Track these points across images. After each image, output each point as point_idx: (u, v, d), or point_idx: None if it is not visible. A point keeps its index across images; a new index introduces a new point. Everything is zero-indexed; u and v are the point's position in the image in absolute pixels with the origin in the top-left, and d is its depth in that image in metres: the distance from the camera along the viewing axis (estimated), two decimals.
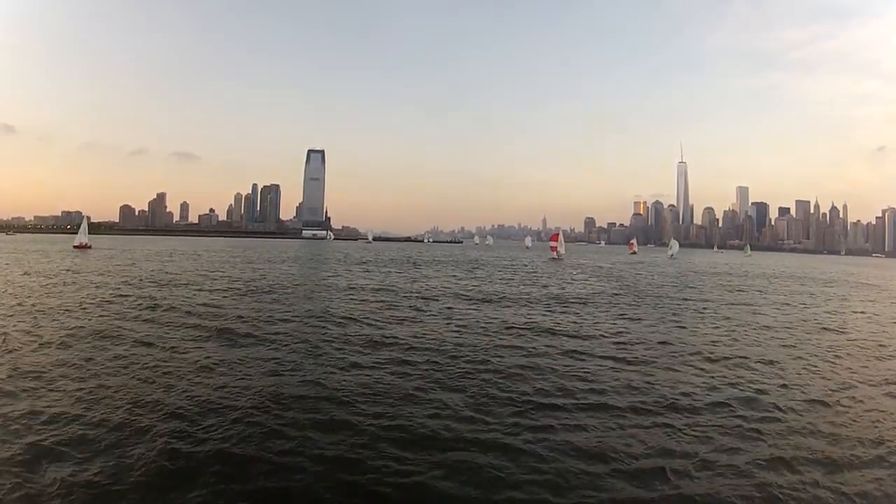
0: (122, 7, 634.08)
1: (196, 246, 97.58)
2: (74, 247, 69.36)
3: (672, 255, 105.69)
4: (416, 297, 26.47)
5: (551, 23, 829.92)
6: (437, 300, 25.37)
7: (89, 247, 70.32)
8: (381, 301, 24.35)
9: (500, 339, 16.18)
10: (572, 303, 25.94)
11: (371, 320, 18.72)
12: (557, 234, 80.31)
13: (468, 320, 19.49)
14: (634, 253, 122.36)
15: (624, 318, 21.33)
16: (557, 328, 18.40)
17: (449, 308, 22.67)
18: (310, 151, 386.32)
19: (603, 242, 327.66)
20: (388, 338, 15.50)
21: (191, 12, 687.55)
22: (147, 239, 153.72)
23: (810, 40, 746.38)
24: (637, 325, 19.78)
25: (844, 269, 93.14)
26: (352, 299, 24.70)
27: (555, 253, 77.47)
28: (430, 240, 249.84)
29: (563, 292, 31.03)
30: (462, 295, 27.83)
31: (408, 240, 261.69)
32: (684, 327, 19.91)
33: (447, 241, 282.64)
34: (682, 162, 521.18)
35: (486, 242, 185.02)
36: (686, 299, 29.71)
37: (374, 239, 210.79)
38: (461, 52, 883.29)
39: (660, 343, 16.16)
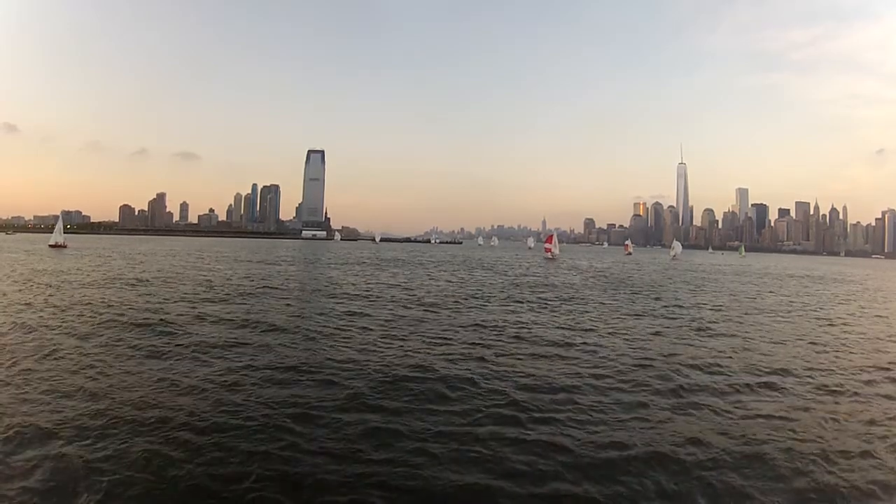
0: (123, 7, 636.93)
1: (188, 246, 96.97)
2: (50, 246, 70.72)
3: (675, 256, 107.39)
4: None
5: (552, 24, 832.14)
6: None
7: (65, 246, 71.91)
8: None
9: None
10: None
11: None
12: (552, 236, 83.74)
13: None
14: (630, 254, 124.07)
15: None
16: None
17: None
18: (310, 152, 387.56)
19: (606, 244, 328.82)
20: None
21: (192, 13, 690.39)
22: (142, 239, 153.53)
23: (811, 41, 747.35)
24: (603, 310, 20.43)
25: (835, 268, 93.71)
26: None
27: (549, 254, 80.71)
28: (437, 240, 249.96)
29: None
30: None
31: (407, 240, 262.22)
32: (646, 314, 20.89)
33: (448, 242, 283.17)
34: (681, 163, 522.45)
35: (491, 243, 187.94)
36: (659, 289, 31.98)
37: (380, 240, 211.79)
38: (462, 53, 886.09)
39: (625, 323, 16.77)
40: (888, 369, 13.92)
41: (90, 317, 17.68)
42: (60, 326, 15.89)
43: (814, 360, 14.57)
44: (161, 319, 17.24)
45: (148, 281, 30.53)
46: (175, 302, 21.68)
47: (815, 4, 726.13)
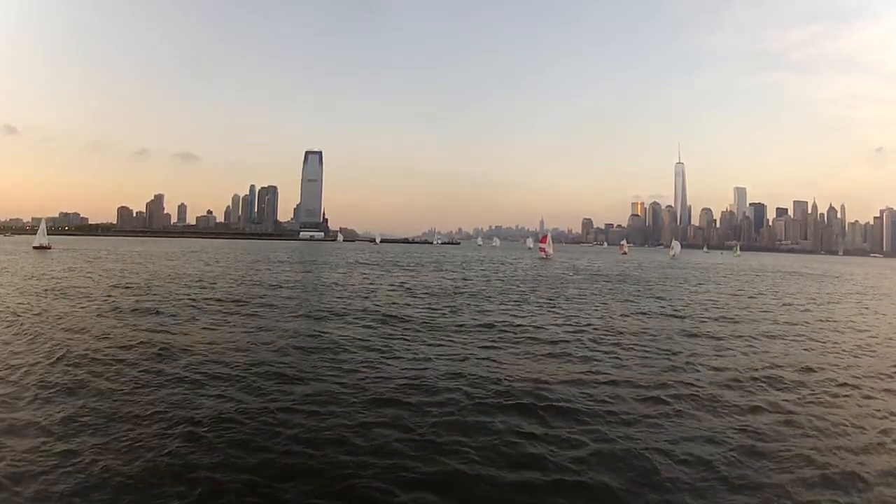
0: (123, 7, 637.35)
1: (182, 248, 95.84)
2: (34, 248, 71.75)
3: (674, 256, 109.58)
4: None
5: (552, 24, 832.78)
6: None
7: (49, 248, 73.14)
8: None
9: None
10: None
11: None
12: (546, 237, 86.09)
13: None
14: (625, 253, 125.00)
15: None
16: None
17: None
18: (307, 153, 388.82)
19: (606, 244, 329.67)
20: None
21: (192, 13, 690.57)
22: (138, 240, 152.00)
23: (811, 41, 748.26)
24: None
25: (835, 267, 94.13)
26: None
27: (543, 254, 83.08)
28: (439, 241, 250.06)
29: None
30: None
31: (405, 241, 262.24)
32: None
33: (446, 243, 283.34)
34: (679, 162, 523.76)
35: (493, 244, 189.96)
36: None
37: (381, 241, 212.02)
38: (462, 53, 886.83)
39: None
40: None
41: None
42: None
43: (809, 356, 14.89)
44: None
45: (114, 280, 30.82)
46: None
47: (815, 4, 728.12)
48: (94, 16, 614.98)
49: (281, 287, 30.02)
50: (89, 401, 9.38)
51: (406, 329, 17.22)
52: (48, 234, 78.12)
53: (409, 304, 23.54)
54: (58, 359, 12.17)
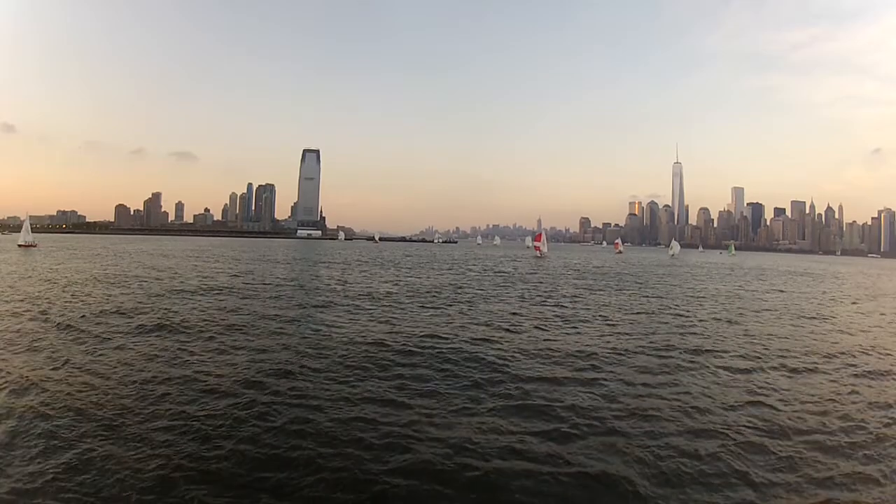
0: (122, 7, 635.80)
1: (178, 247, 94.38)
2: (19, 245, 72.37)
3: (673, 255, 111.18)
4: None
5: (550, 25, 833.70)
6: None
7: (34, 245, 73.70)
8: None
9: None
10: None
11: None
12: (540, 235, 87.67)
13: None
14: (620, 252, 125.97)
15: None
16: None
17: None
18: (305, 151, 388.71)
19: (605, 243, 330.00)
20: None
21: (191, 14, 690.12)
22: (134, 239, 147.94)
23: (809, 42, 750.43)
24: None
25: (832, 268, 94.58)
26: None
27: (538, 252, 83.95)
28: (441, 240, 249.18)
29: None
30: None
31: (403, 240, 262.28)
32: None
33: (445, 242, 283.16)
34: (677, 163, 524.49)
35: (494, 243, 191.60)
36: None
37: (379, 239, 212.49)
38: (462, 54, 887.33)
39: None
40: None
41: None
42: None
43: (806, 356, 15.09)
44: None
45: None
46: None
47: (814, 6, 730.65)
48: (94, 16, 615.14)
49: (279, 292, 30.16)
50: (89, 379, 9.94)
51: (409, 323, 17.84)
52: (47, 232, 78.54)
53: (409, 303, 23.94)
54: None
